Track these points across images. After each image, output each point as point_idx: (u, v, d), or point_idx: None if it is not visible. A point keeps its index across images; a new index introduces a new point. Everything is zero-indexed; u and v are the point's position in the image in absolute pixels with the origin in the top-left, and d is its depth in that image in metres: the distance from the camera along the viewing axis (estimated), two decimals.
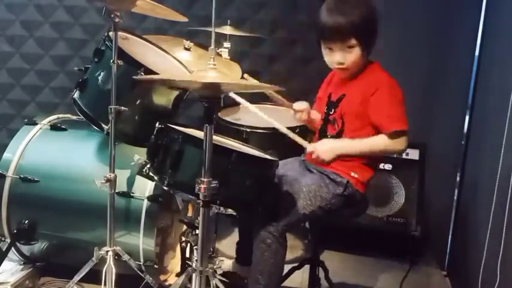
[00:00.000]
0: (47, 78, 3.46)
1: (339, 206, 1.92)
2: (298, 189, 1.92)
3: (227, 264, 2.47)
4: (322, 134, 2.02)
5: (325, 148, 1.88)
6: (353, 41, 1.87)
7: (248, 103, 2.05)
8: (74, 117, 2.48)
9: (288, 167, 2.04)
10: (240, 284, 2.25)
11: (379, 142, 1.88)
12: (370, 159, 1.97)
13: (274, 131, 2.33)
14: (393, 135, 1.86)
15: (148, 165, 1.81)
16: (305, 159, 2.08)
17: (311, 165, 2.02)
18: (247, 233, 2.26)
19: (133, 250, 2.17)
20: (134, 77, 1.93)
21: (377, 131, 1.90)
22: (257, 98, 2.67)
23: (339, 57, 1.91)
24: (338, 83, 2.05)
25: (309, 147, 1.92)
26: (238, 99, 2.03)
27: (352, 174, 1.93)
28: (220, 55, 2.66)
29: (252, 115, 2.05)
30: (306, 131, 2.21)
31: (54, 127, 2.38)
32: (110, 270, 2.02)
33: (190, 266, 1.78)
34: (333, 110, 1.99)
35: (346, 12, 1.85)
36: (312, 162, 2.02)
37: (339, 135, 1.96)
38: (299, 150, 2.10)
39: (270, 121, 1.96)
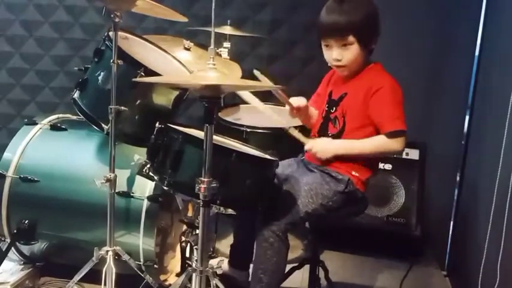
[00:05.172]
0: (47, 78, 3.46)
1: (340, 204, 1.93)
2: (299, 188, 1.92)
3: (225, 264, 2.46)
4: (323, 133, 2.02)
5: (324, 146, 1.94)
6: (351, 38, 1.88)
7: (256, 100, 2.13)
8: (74, 117, 2.48)
9: (287, 168, 2.04)
10: (240, 284, 2.25)
11: (378, 143, 1.90)
12: (371, 159, 1.97)
13: (274, 131, 2.35)
14: (392, 135, 1.88)
15: (148, 165, 1.81)
16: (304, 158, 2.08)
17: (311, 164, 2.02)
18: (242, 236, 2.24)
19: (133, 250, 2.16)
20: (134, 79, 1.92)
21: (378, 130, 1.91)
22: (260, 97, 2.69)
23: (336, 54, 1.92)
24: (339, 81, 2.05)
25: (308, 144, 1.97)
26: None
27: (353, 173, 1.93)
28: (220, 55, 2.66)
29: (252, 114, 2.06)
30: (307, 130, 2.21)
31: (54, 127, 2.38)
32: (110, 270, 2.02)
33: (190, 266, 1.78)
34: (334, 108, 1.99)
35: (346, 10, 1.86)
36: (311, 160, 2.03)
37: (339, 134, 1.96)
38: (299, 150, 2.10)
39: (271, 117, 2.07)
